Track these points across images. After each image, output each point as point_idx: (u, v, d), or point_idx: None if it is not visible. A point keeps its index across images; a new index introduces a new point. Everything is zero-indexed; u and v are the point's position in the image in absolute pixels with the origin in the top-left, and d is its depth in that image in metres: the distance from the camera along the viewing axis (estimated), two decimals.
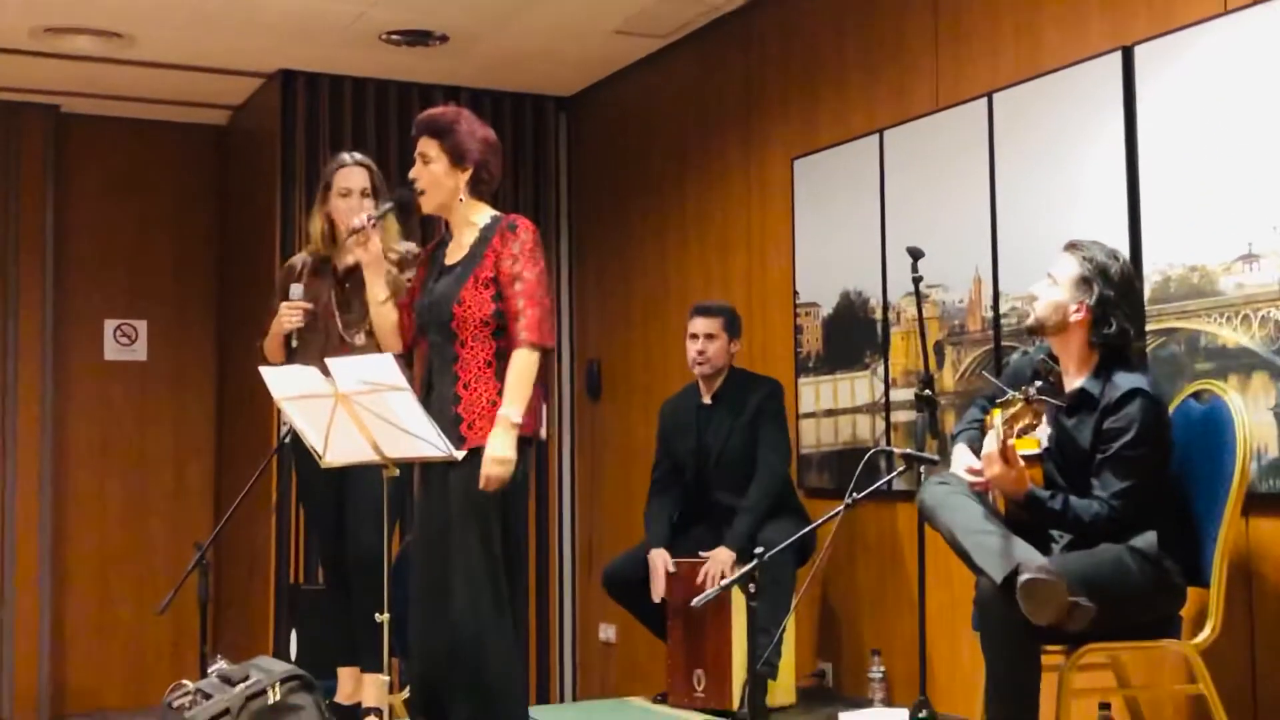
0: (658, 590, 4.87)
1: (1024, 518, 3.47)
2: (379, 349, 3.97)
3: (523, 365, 3.68)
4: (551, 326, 3.78)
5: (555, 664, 6.88)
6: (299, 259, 4.56)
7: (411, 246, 4.45)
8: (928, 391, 4.35)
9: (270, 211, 6.49)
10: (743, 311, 5.27)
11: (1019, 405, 3.32)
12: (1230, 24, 3.78)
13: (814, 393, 5.27)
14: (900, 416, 4.86)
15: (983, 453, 3.46)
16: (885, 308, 4.94)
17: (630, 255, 6.59)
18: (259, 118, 6.84)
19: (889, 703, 4.67)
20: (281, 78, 6.49)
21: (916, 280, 4.37)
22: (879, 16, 5.07)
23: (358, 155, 4.55)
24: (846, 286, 5.13)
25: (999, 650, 3.37)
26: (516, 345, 3.68)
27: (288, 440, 4.37)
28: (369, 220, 3.93)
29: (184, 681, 3.85)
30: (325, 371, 3.59)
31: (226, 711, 3.66)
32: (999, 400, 3.44)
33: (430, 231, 6.05)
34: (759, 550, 3.51)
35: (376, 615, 3.66)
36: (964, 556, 3.43)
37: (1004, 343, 4.44)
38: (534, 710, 5.08)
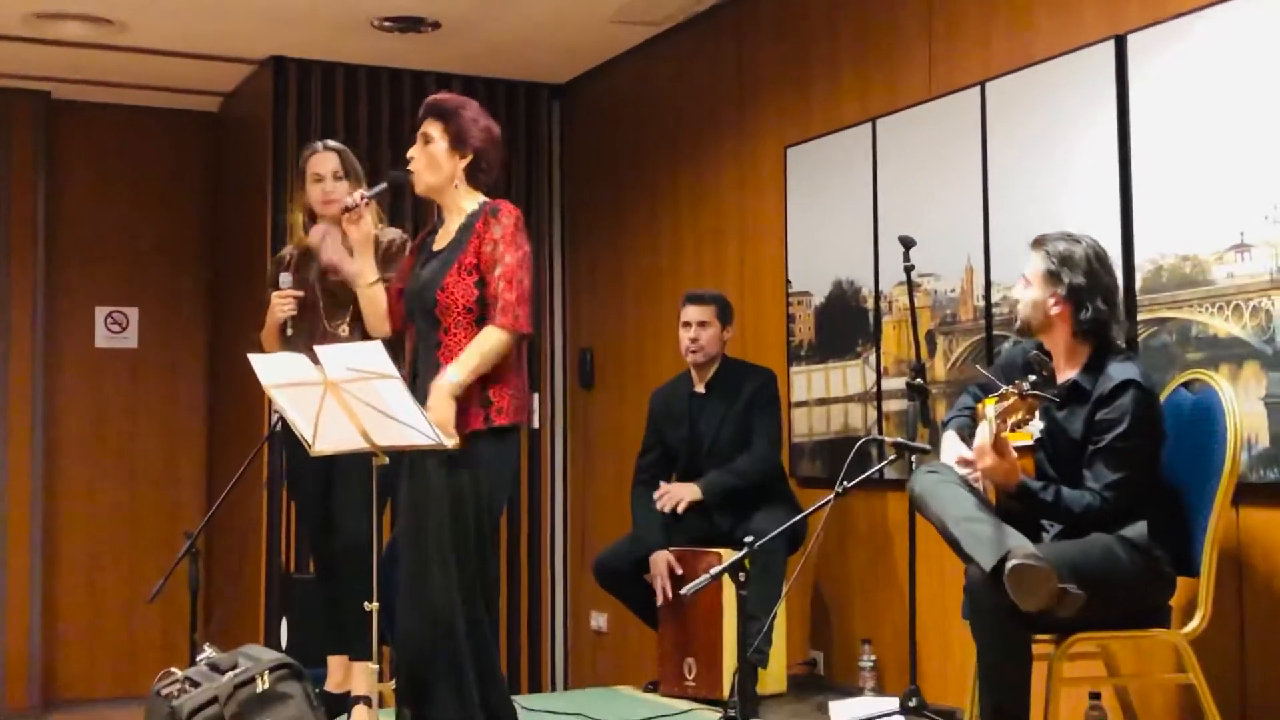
0: (667, 593, 4.85)
1: (1015, 508, 3.47)
2: (366, 337, 3.96)
3: (487, 340, 3.64)
4: (528, 312, 3.71)
5: (546, 652, 6.88)
6: (288, 251, 4.57)
7: (397, 233, 4.46)
8: (919, 380, 4.36)
9: (262, 198, 6.47)
10: (735, 300, 5.26)
11: (1012, 399, 3.32)
12: (1223, 12, 3.77)
13: (806, 381, 5.27)
14: (892, 405, 4.86)
15: (975, 444, 3.46)
16: (877, 296, 4.93)
17: (623, 244, 6.58)
18: (250, 104, 6.82)
19: (879, 691, 4.67)
20: (273, 64, 6.47)
21: (908, 269, 4.38)
22: (872, 5, 5.05)
23: (328, 141, 4.61)
24: (839, 275, 5.12)
25: (989, 639, 3.37)
26: (488, 325, 3.66)
27: (278, 428, 4.36)
28: (362, 199, 3.91)
29: (172, 669, 3.84)
30: (315, 359, 3.58)
31: (214, 700, 3.64)
32: (992, 392, 3.44)
33: (422, 221, 6.05)
34: (749, 539, 3.51)
35: (365, 604, 3.65)
36: (954, 545, 3.43)
37: (995, 332, 4.44)
38: (525, 698, 5.09)
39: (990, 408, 3.40)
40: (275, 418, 4.31)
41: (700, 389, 5.09)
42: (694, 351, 5.04)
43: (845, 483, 3.57)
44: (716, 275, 5.79)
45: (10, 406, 6.79)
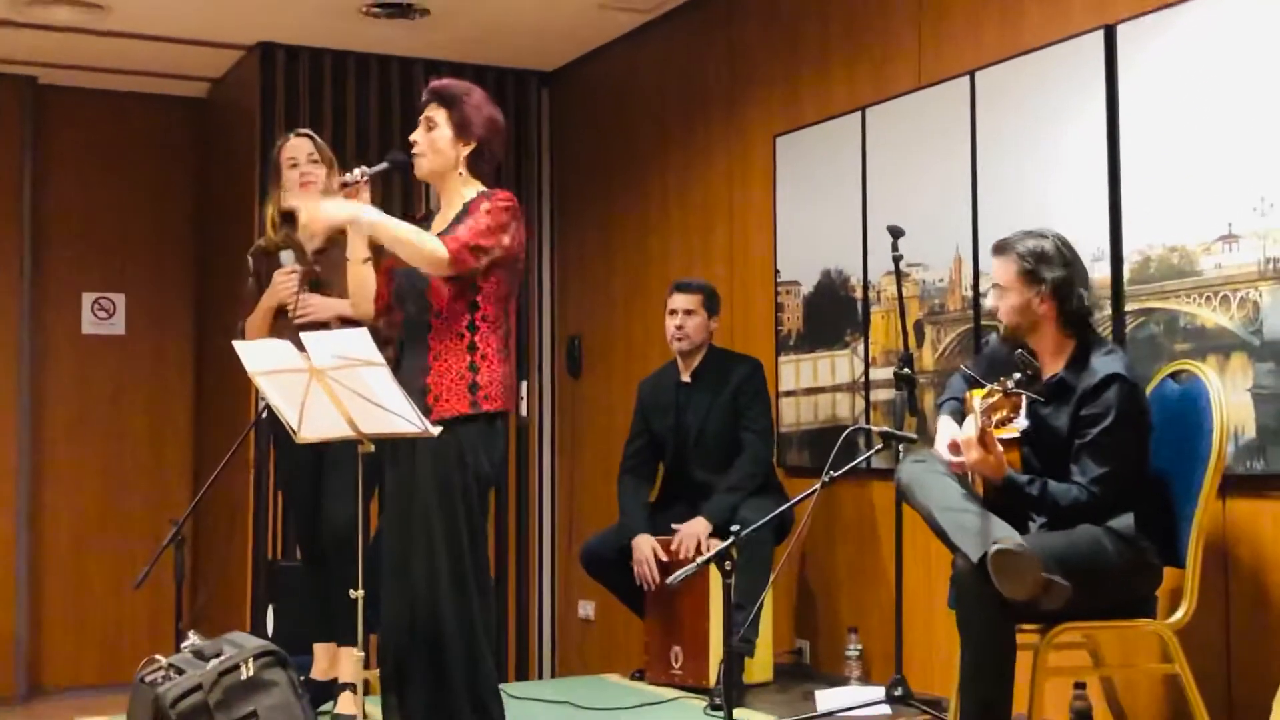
0: (653, 578, 4.84)
1: (1002, 501, 3.47)
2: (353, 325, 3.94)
3: (424, 237, 3.55)
4: (472, 256, 3.56)
5: (534, 640, 6.88)
6: (263, 243, 4.56)
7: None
8: (907, 370, 4.36)
9: (250, 185, 6.44)
10: (723, 289, 5.26)
11: (997, 397, 3.32)
12: (1212, 3, 3.77)
13: (794, 371, 5.26)
14: (880, 395, 4.85)
15: (961, 437, 3.45)
16: (866, 286, 4.93)
17: (611, 232, 6.56)
18: (238, 90, 6.79)
19: (865, 680, 4.67)
20: (261, 50, 6.44)
21: (897, 259, 4.37)
22: None
23: (299, 129, 4.64)
24: (827, 265, 5.11)
25: (975, 629, 3.37)
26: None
27: (265, 415, 4.34)
28: (362, 175, 3.88)
29: (157, 656, 3.82)
30: (300, 346, 3.57)
31: (199, 687, 3.62)
32: (978, 385, 3.44)
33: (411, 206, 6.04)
34: (735, 528, 3.50)
35: (351, 591, 3.64)
36: (941, 535, 3.44)
37: (983, 322, 4.43)
38: (512, 686, 5.09)
39: (977, 400, 3.40)
40: (262, 405, 4.29)
41: (686, 378, 5.08)
42: (679, 339, 5.04)
43: (832, 472, 3.57)
44: (705, 264, 5.78)
45: None
